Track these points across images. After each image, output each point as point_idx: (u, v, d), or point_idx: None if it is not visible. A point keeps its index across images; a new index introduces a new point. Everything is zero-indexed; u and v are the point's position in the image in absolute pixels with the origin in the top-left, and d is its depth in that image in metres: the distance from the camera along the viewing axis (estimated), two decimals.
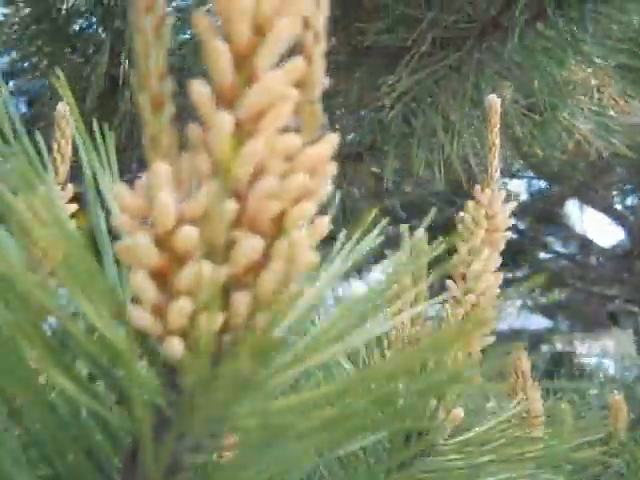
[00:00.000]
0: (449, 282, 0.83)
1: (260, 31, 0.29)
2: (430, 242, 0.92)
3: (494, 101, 0.83)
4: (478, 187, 0.85)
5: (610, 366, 3.33)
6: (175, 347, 0.29)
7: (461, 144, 1.79)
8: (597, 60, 1.59)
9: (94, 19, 1.89)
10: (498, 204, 0.84)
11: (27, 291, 0.29)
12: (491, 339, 0.83)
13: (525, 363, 1.16)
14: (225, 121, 0.28)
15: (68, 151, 0.58)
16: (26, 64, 1.95)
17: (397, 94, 1.57)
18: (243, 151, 0.29)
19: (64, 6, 1.83)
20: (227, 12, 0.28)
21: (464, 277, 0.85)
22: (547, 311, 6.81)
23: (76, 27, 1.90)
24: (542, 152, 1.92)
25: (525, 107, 1.91)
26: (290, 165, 0.30)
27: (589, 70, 1.73)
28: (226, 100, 0.29)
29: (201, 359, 0.29)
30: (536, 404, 1.17)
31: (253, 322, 0.30)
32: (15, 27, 1.84)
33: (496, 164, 0.85)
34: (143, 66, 0.28)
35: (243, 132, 0.29)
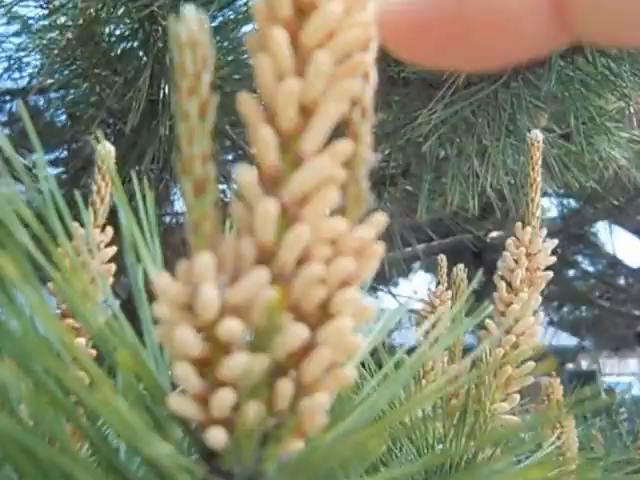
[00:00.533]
0: (488, 321, 0.82)
1: (306, 113, 0.28)
2: (458, 260, 0.91)
3: (536, 137, 0.82)
4: (519, 224, 0.84)
5: (636, 386, 3.31)
6: (218, 435, 0.29)
7: (496, 173, 1.78)
8: (634, 94, 1.58)
9: (135, 43, 1.90)
10: (539, 242, 0.83)
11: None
12: (530, 379, 0.82)
13: (558, 390, 1.15)
14: (271, 207, 0.28)
15: (107, 194, 0.59)
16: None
17: (433, 125, 1.57)
18: (289, 236, 0.28)
19: (107, 30, 1.85)
20: (272, 94, 0.28)
21: (503, 316, 0.84)
22: (574, 329, 6.74)
23: (118, 51, 1.93)
24: (576, 181, 1.91)
25: (559, 135, 1.90)
26: (335, 249, 0.29)
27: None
28: (271, 184, 0.28)
29: (245, 447, 0.28)
30: (571, 435, 1.15)
31: (298, 407, 0.29)
32: (60, 50, 1.86)
33: (537, 201, 0.84)
34: (187, 150, 0.28)
35: (288, 216, 0.28)
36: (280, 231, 0.28)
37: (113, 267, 0.55)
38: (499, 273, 0.84)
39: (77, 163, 2.99)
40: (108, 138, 2.09)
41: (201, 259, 0.28)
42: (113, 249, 0.55)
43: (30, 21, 1.84)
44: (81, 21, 1.75)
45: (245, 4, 1.81)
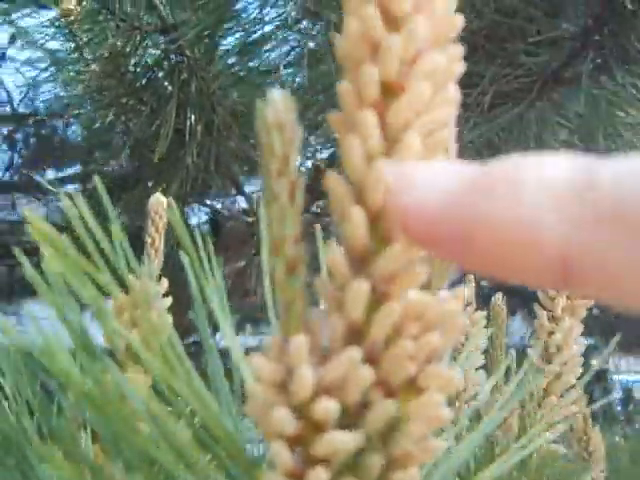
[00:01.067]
0: (530, 350, 0.82)
1: None
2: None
3: None
4: None
5: None
6: None
7: None
8: None
9: (160, 74, 1.92)
10: None
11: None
12: (575, 409, 0.82)
13: (583, 403, 1.14)
14: (362, 287, 0.28)
15: (161, 245, 0.59)
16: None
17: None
18: (379, 314, 0.28)
19: (132, 61, 1.87)
20: (361, 175, 0.28)
21: (546, 346, 0.84)
22: (588, 329, 6.70)
23: (143, 81, 1.94)
24: None
25: (583, 149, 1.90)
26: (422, 323, 0.30)
27: None
28: (360, 262, 0.29)
29: None
30: (598, 446, 1.14)
31: None
32: (86, 81, 1.88)
33: None
34: (278, 231, 0.28)
35: (378, 293, 0.29)
36: (370, 308, 0.29)
37: (170, 318, 0.55)
38: (540, 302, 0.84)
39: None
40: (134, 166, 2.11)
41: (295, 341, 0.28)
42: (169, 300, 0.56)
43: (59, 54, 1.86)
44: (107, 54, 1.77)
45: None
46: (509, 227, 0.25)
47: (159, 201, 0.57)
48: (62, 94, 2.14)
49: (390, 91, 0.28)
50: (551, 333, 0.82)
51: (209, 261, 0.40)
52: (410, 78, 0.28)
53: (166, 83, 1.94)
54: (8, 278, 3.64)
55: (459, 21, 0.29)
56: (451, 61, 0.29)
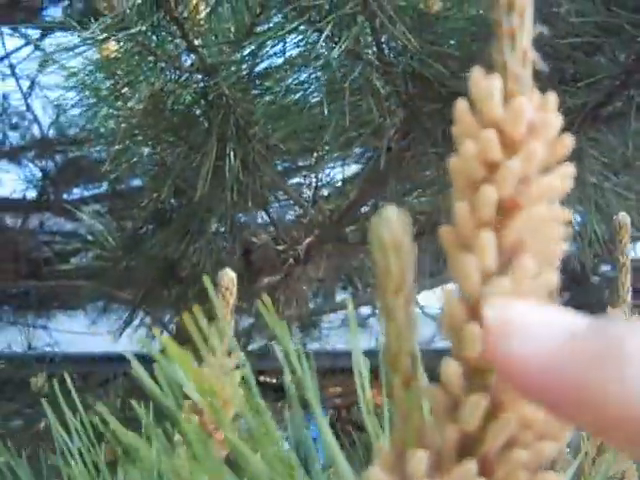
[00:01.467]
0: None
1: None
2: None
3: (623, 220, 0.82)
4: (610, 309, 0.84)
5: None
6: None
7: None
8: None
9: (198, 111, 1.94)
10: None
11: None
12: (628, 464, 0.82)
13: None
14: (480, 401, 0.29)
15: (232, 320, 0.60)
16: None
17: None
18: (495, 425, 0.29)
19: (170, 100, 1.89)
20: (477, 292, 0.29)
21: None
22: None
23: (181, 118, 1.96)
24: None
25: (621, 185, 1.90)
26: (534, 432, 0.30)
27: None
28: (475, 375, 0.29)
29: None
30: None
31: None
32: (126, 120, 1.91)
33: (628, 285, 0.84)
34: (394, 347, 0.29)
35: (493, 404, 0.29)
36: (485, 419, 0.29)
37: (242, 391, 0.56)
38: None
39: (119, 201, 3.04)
40: (173, 201, 2.13)
41: (415, 456, 0.29)
42: (242, 372, 0.56)
43: (103, 92, 1.88)
44: (147, 93, 1.79)
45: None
46: (614, 401, 0.25)
47: (229, 276, 0.58)
48: (101, 130, 2.17)
49: (506, 210, 0.29)
50: None
51: (297, 350, 0.41)
52: (526, 198, 0.29)
53: (202, 119, 1.96)
54: (37, 291, 3.68)
55: (570, 142, 0.30)
56: (562, 180, 0.30)
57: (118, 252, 2.42)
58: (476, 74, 0.30)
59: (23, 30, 3.43)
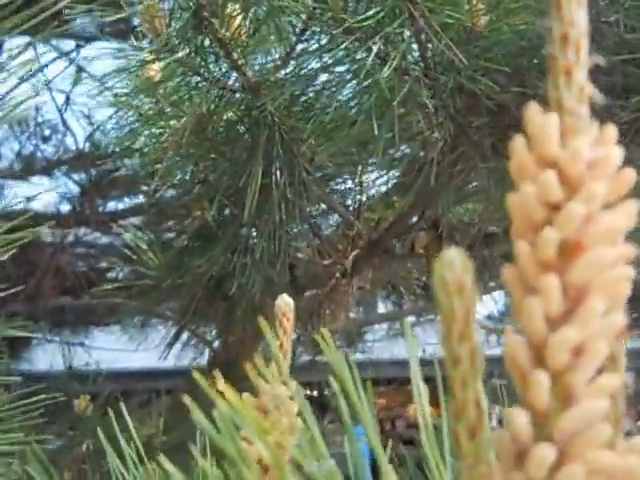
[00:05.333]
0: None
1: (576, 351, 0.28)
2: None
3: None
4: None
5: None
6: None
7: None
8: None
9: (242, 128, 1.95)
10: None
11: None
12: None
13: None
14: (546, 452, 0.28)
15: (289, 347, 0.59)
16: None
17: None
18: (562, 475, 0.28)
19: (215, 120, 1.89)
20: (543, 337, 0.28)
21: None
22: None
23: (226, 136, 1.97)
24: None
25: None
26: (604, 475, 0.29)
27: None
28: (541, 421, 0.29)
29: None
30: None
31: None
32: (169, 137, 1.92)
33: None
34: (460, 395, 0.29)
35: (560, 454, 0.28)
36: (552, 469, 0.28)
37: (299, 421, 0.55)
38: None
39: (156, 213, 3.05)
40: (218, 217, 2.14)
41: None
42: (298, 403, 0.56)
43: (146, 111, 1.90)
44: (192, 112, 1.80)
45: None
46: None
47: (287, 303, 0.58)
48: (144, 150, 2.18)
49: (569, 252, 0.28)
50: None
51: (356, 387, 0.41)
52: (589, 238, 0.28)
53: (247, 137, 1.96)
54: (73, 307, 3.68)
55: (632, 177, 0.29)
56: (627, 217, 0.29)
57: (162, 270, 2.43)
58: (532, 110, 0.29)
59: (54, 42, 3.45)
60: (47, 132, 3.90)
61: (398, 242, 2.38)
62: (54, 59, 3.54)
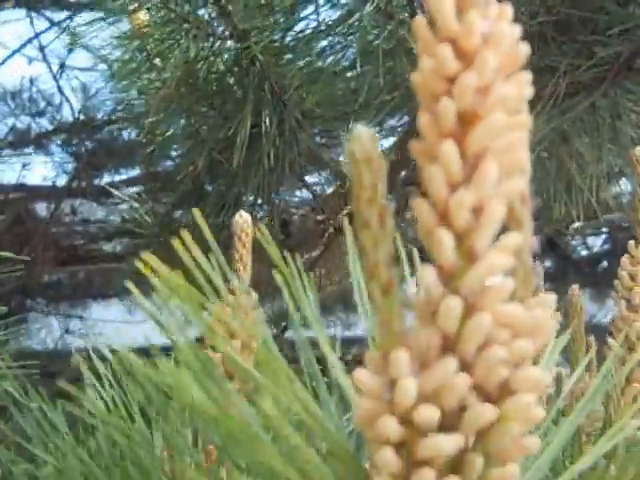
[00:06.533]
0: (611, 340, 0.83)
1: (476, 212, 0.31)
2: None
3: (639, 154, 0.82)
4: (631, 243, 0.84)
5: None
6: None
7: (596, 183, 1.78)
8: None
9: (231, 80, 1.96)
10: None
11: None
12: None
13: None
14: (455, 303, 0.30)
15: (249, 260, 0.62)
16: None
17: (533, 142, 1.58)
18: (471, 325, 0.31)
19: (204, 68, 1.90)
20: (444, 200, 0.31)
21: (626, 334, 0.85)
22: None
23: (215, 87, 1.98)
24: None
25: None
26: (512, 330, 0.32)
27: None
28: (449, 278, 0.31)
29: None
30: None
31: (489, 478, 0.32)
32: (160, 92, 1.93)
33: None
34: (371, 256, 0.31)
35: (467, 307, 0.31)
36: (461, 320, 0.31)
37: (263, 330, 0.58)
38: (617, 291, 0.84)
39: (155, 184, 3.05)
40: (211, 172, 2.15)
41: (397, 355, 0.31)
42: (259, 312, 0.59)
43: (132, 64, 1.91)
44: (181, 62, 1.81)
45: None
46: None
47: (244, 219, 0.60)
48: (134, 102, 2.19)
49: (467, 121, 0.31)
50: (631, 322, 0.83)
51: (300, 276, 0.43)
52: (484, 107, 0.31)
53: (236, 88, 1.97)
54: (70, 282, 3.68)
55: (525, 51, 0.31)
56: (520, 87, 0.31)
57: (154, 227, 2.44)
58: None
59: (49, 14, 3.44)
60: (42, 104, 3.87)
61: (390, 197, 2.39)
62: (47, 28, 3.53)
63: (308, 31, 1.81)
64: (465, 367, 0.32)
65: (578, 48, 1.50)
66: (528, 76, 0.31)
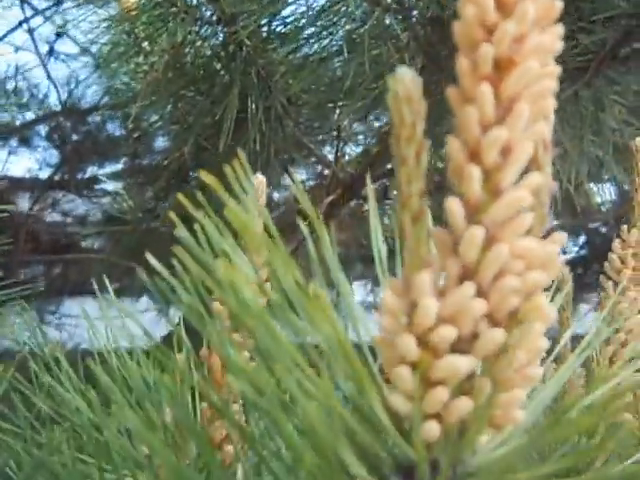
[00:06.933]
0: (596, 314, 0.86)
1: (504, 152, 0.33)
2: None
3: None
4: (624, 227, 0.87)
5: None
6: (433, 428, 0.34)
7: (575, 172, 1.81)
8: None
9: (218, 65, 1.97)
10: None
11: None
12: None
13: None
14: (478, 233, 0.33)
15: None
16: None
17: None
18: (490, 255, 0.33)
19: (192, 52, 1.92)
20: (477, 139, 0.33)
21: (612, 315, 0.88)
22: None
23: (202, 72, 1.99)
24: None
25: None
26: (526, 264, 0.34)
27: None
28: (473, 211, 0.34)
29: (451, 437, 0.34)
30: None
31: (495, 402, 0.35)
32: (148, 76, 1.94)
33: None
34: (405, 189, 0.34)
35: (488, 238, 0.34)
36: (481, 251, 0.34)
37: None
38: (606, 273, 0.87)
39: (137, 177, 3.04)
40: (197, 157, 2.16)
41: (420, 278, 0.33)
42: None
43: (119, 48, 1.92)
44: (168, 46, 1.82)
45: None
46: None
47: (259, 180, 0.62)
48: (122, 87, 2.20)
49: (502, 67, 0.33)
50: (617, 303, 0.86)
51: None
52: (520, 55, 0.33)
53: (223, 73, 1.99)
54: (46, 276, 3.64)
55: (559, 4, 0.34)
56: (552, 39, 0.34)
57: (137, 213, 2.45)
58: None
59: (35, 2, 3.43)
60: (27, 94, 3.83)
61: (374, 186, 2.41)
62: (33, 15, 3.51)
63: (295, 17, 1.83)
64: (481, 295, 0.34)
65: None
66: (561, 29, 0.34)
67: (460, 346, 0.34)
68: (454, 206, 0.33)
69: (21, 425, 0.58)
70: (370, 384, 0.35)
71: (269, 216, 0.40)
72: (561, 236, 0.36)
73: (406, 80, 0.34)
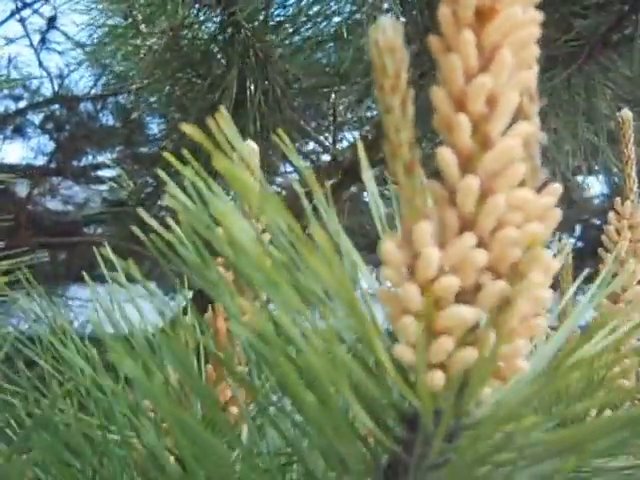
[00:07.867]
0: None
1: (491, 101, 0.34)
2: None
3: (627, 116, 0.85)
4: (618, 200, 0.88)
5: None
6: (438, 377, 0.34)
7: (569, 157, 1.81)
8: None
9: (215, 48, 1.98)
10: (639, 214, 0.86)
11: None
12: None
13: None
14: (472, 183, 0.33)
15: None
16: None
17: None
18: (486, 206, 0.34)
19: (189, 35, 1.92)
20: (462, 88, 0.33)
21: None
22: None
23: (198, 55, 1.99)
24: None
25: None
26: (523, 215, 0.35)
27: None
28: (465, 162, 0.34)
29: (454, 388, 0.34)
30: None
31: (498, 353, 0.35)
32: (146, 58, 1.95)
33: (634, 176, 0.87)
34: (394, 138, 0.34)
35: (483, 189, 0.34)
36: (478, 202, 0.34)
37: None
38: (603, 245, 0.87)
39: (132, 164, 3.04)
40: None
41: (420, 227, 0.33)
42: None
43: (118, 30, 1.92)
44: (167, 28, 1.83)
45: None
46: None
47: (252, 148, 0.62)
48: (117, 69, 2.19)
49: (484, 15, 0.33)
50: (615, 275, 0.86)
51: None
52: (501, 2, 0.33)
53: (220, 56, 1.99)
54: (50, 263, 3.64)
55: None
56: None
57: (138, 195, 2.45)
58: None
59: None
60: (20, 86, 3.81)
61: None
62: (23, 7, 3.50)
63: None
64: (481, 246, 0.34)
65: (556, 20, 1.53)
66: None
67: (464, 297, 0.34)
68: (447, 155, 0.34)
69: (24, 385, 0.58)
70: (374, 332, 0.35)
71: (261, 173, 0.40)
72: (557, 187, 0.36)
73: (387, 29, 0.34)
